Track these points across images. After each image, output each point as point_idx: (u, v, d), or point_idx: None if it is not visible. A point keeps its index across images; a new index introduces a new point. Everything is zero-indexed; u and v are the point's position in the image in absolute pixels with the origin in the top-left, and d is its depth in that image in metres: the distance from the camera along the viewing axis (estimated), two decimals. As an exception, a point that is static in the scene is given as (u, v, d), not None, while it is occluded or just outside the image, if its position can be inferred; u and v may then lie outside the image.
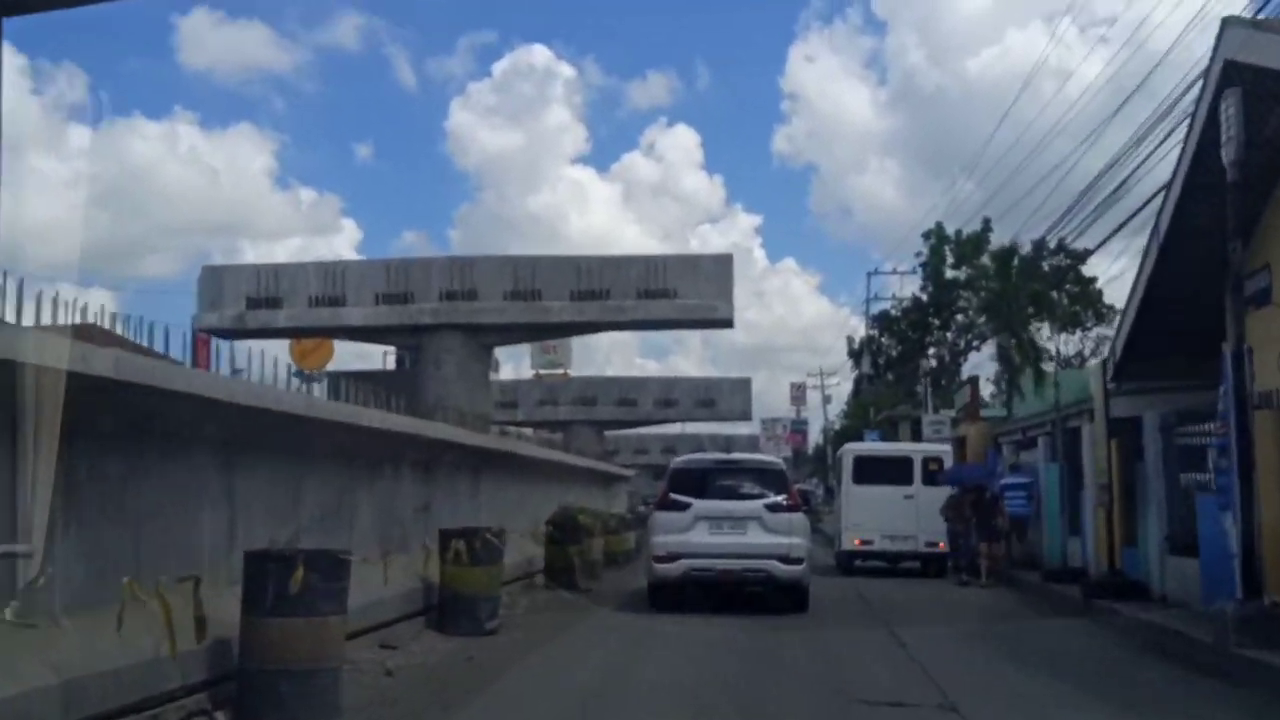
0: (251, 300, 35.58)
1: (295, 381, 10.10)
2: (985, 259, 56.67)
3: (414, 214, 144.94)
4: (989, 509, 18.93)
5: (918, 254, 58.69)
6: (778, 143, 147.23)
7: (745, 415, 59.50)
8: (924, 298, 58.30)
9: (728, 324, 35.12)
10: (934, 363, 59.09)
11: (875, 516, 20.34)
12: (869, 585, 18.19)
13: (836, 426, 66.17)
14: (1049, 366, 33.25)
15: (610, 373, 61.20)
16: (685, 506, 13.78)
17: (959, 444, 24.53)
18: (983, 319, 54.52)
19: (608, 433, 74.94)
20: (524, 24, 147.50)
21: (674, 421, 60.98)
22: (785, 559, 13.44)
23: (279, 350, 33.28)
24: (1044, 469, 20.43)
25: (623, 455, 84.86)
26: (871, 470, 20.88)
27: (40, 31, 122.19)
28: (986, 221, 55.27)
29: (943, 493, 20.15)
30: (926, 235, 57.98)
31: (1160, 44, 47.70)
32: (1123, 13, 72.01)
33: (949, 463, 21.24)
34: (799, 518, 14.13)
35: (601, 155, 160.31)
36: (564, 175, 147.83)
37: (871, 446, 22.27)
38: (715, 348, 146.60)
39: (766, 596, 13.94)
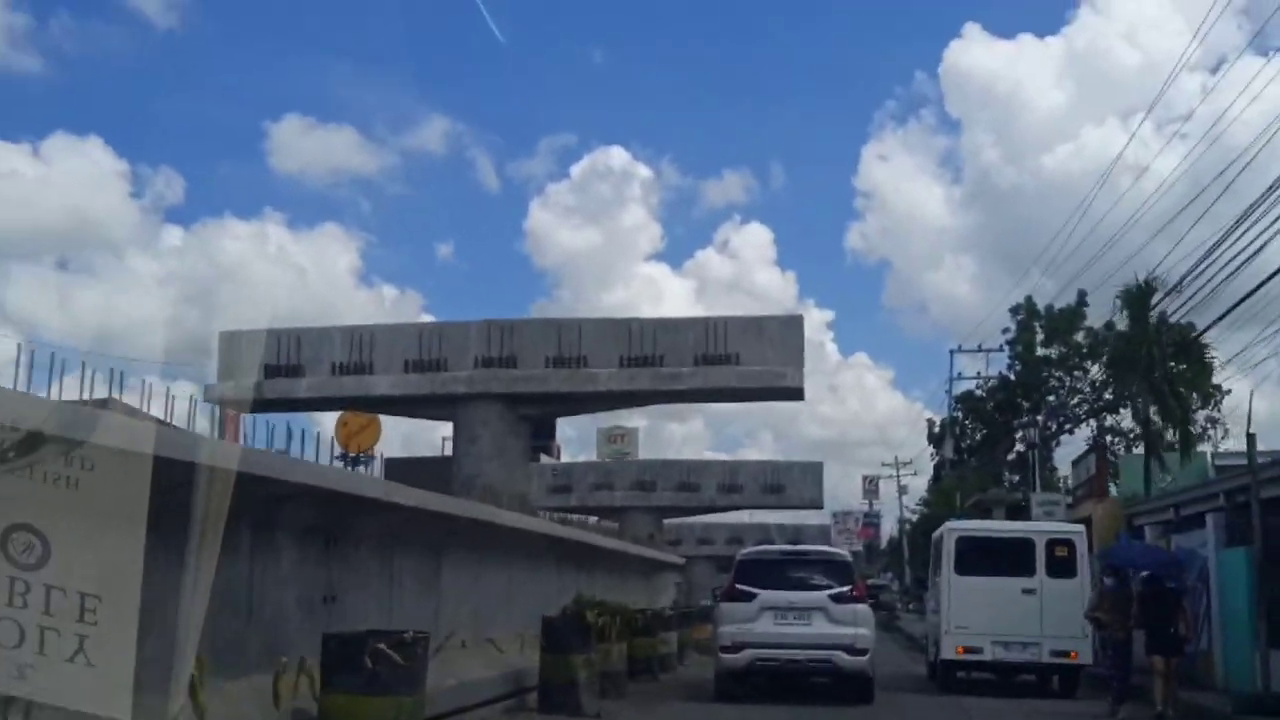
0: (270, 368, 32.27)
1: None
2: (1080, 336, 52.58)
3: (491, 310, 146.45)
4: (1169, 610, 13.68)
5: (1004, 330, 54.50)
6: (851, 239, 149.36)
7: (816, 503, 54.85)
8: (1011, 377, 53.90)
9: (797, 394, 31.01)
10: (1022, 447, 54.48)
11: (985, 616, 15.86)
12: (980, 708, 13.93)
13: (914, 517, 61.32)
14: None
15: (675, 461, 57.15)
16: (751, 597, 14.06)
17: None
18: (1086, 384, 49.88)
19: (668, 521, 70.75)
20: (603, 126, 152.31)
21: (739, 509, 56.60)
22: (850, 649, 13.65)
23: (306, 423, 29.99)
24: (1215, 556, 15.75)
25: (685, 545, 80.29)
26: (981, 556, 16.31)
27: (138, 136, 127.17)
28: (1082, 295, 51.14)
29: (1073, 587, 15.77)
30: (1015, 310, 53.97)
31: (1237, 139, 44.34)
32: (1198, 108, 69.42)
33: (1082, 546, 16.47)
34: (864, 609, 14.39)
35: (676, 252, 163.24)
36: (638, 272, 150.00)
37: (982, 525, 17.44)
38: (787, 440, 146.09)
39: (832, 689, 14.02)
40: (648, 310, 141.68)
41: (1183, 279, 21.55)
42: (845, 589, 14.38)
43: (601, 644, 13.08)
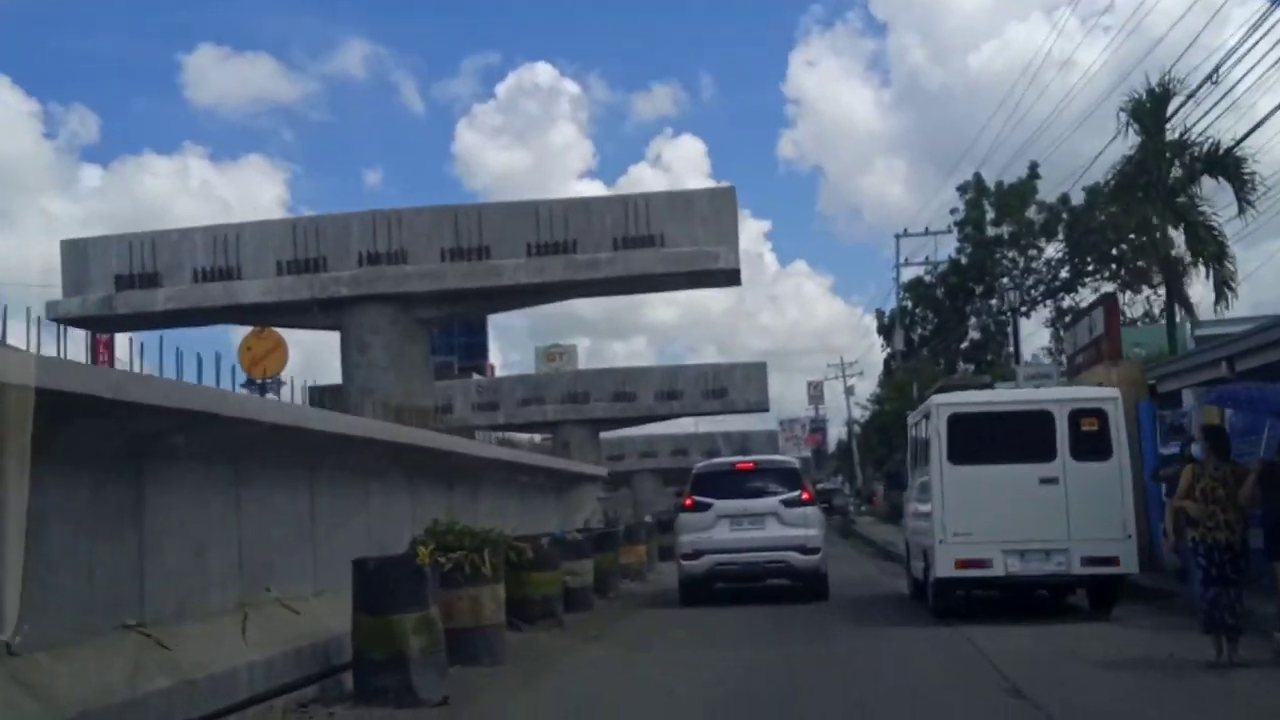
0: (122, 279, 27.74)
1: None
2: (1031, 212, 48.99)
3: None
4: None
5: (952, 211, 50.81)
6: (783, 148, 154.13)
7: (761, 406, 51.25)
8: (962, 260, 50.37)
9: (733, 278, 27.07)
10: (976, 334, 51.24)
11: (992, 517, 11.83)
12: (1003, 647, 10.06)
13: (864, 417, 58.07)
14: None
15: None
16: (708, 507, 14.85)
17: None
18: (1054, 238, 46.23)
19: (605, 434, 67.12)
20: (527, 42, 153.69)
21: (679, 416, 52.89)
22: (803, 549, 14.52)
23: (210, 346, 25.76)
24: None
25: (628, 459, 76.97)
26: (982, 438, 12.09)
27: (47, 73, 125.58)
28: (1033, 167, 47.50)
29: (1108, 471, 11.77)
30: (962, 189, 50.20)
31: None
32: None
33: (1117, 415, 12.06)
34: (814, 511, 15.27)
35: (608, 169, 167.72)
36: (571, 190, 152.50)
37: (981, 399, 13.35)
38: (731, 353, 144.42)
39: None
40: None
41: (1205, 82, 17.52)
42: (795, 494, 15.11)
43: (461, 589, 9.14)
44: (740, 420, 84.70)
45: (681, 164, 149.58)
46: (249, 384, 43.01)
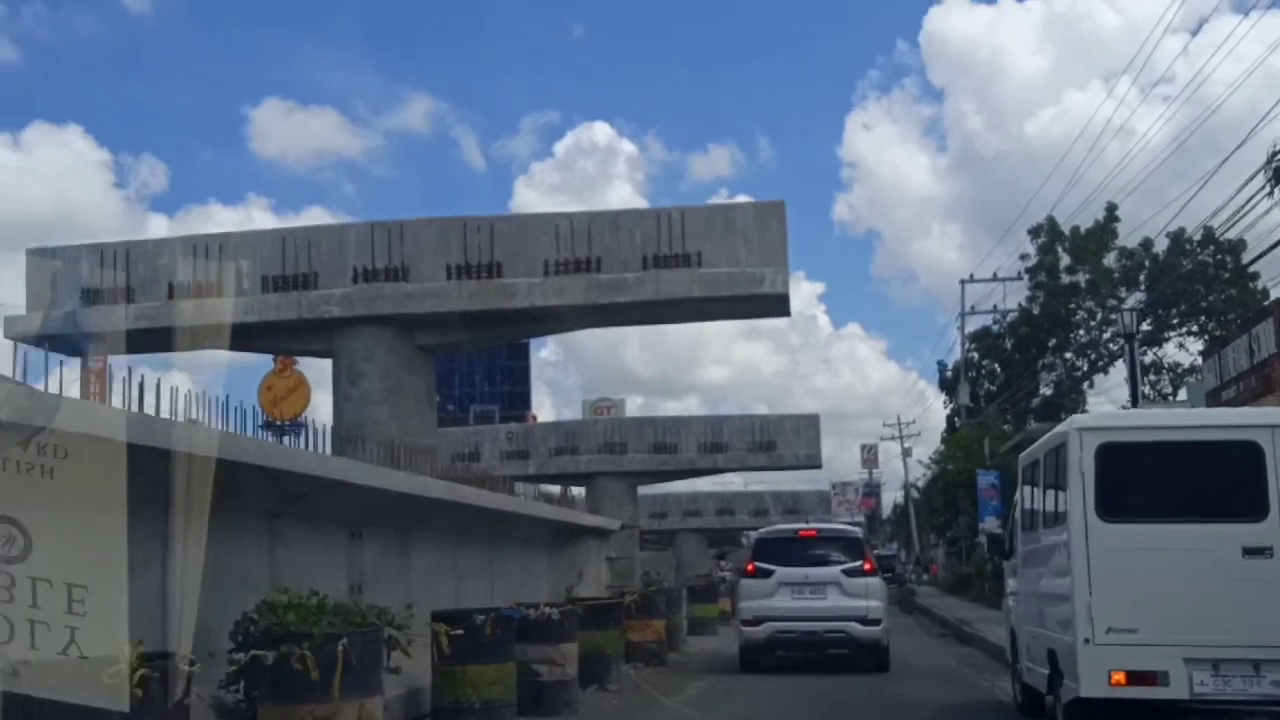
0: (91, 293, 24.60)
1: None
2: (1110, 259, 44.99)
3: None
4: None
5: (1023, 256, 46.97)
6: (838, 210, 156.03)
7: (812, 461, 47.07)
8: (1035, 309, 46.40)
9: (779, 305, 23.29)
10: (1048, 390, 47.06)
11: (1170, 604, 7.81)
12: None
13: (926, 477, 53.74)
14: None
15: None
16: (769, 574, 14.99)
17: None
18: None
19: (644, 490, 63.29)
20: (585, 101, 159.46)
21: (722, 470, 48.90)
22: (864, 620, 14.49)
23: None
24: None
25: (671, 517, 73.13)
26: (1152, 481, 8.09)
27: (118, 124, 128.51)
28: (1111, 210, 43.60)
29: None
30: (1034, 232, 46.34)
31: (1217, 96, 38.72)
32: (1178, 68, 64.64)
33: None
34: (876, 582, 15.32)
35: None
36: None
37: (1151, 419, 9.22)
38: (783, 412, 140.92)
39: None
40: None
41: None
42: (857, 564, 15.12)
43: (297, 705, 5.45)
44: (789, 479, 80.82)
45: None
46: (267, 426, 39.61)
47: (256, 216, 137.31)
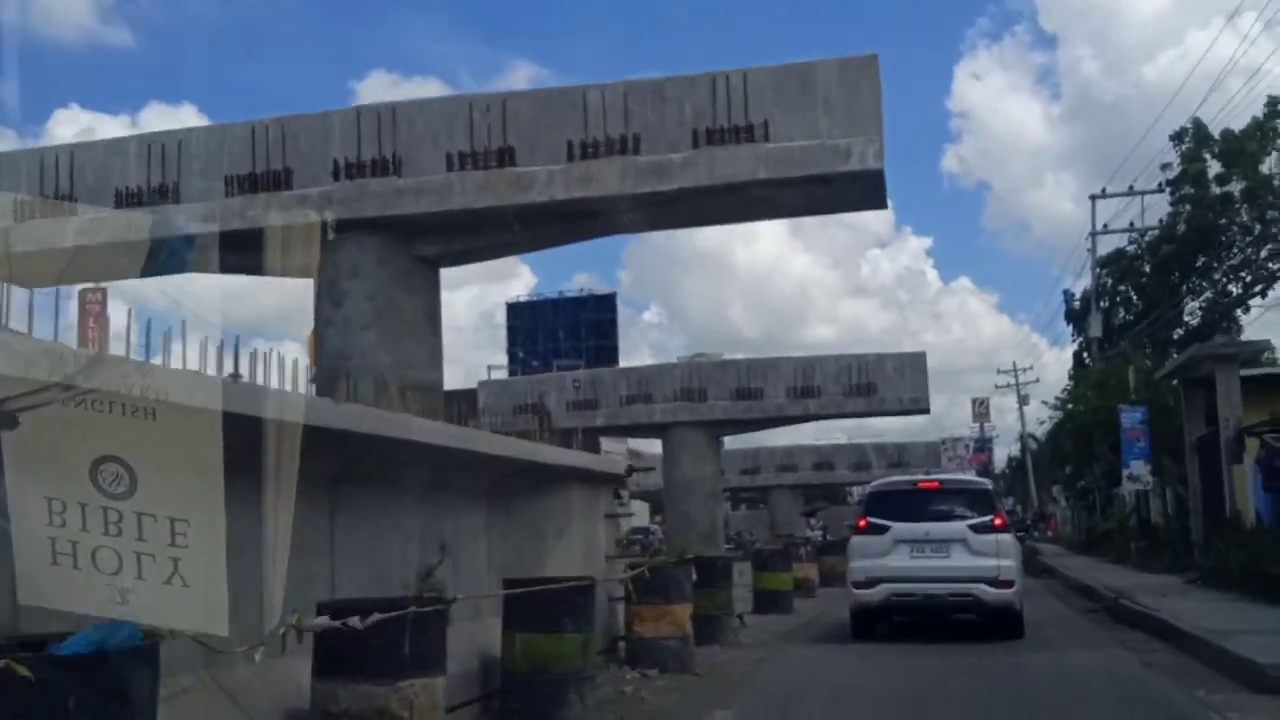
0: (30, 206, 20.31)
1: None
2: (1270, 163, 38.48)
3: (585, 258, 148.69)
4: None
5: (1164, 166, 40.51)
6: (947, 162, 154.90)
7: (920, 405, 41.33)
8: (1179, 225, 40.01)
9: (873, 188, 17.85)
10: (1194, 319, 40.85)
11: None
12: None
13: (1048, 424, 47.68)
14: None
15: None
16: (884, 530, 13.40)
17: None
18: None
19: (734, 443, 58.29)
20: (685, 60, 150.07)
21: (815, 418, 43.44)
22: (994, 582, 12.88)
23: None
24: None
25: (765, 472, 68.03)
26: None
27: (230, 101, 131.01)
28: (1274, 105, 37.10)
29: None
30: (1177, 136, 39.90)
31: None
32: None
33: None
34: (1007, 539, 13.49)
35: None
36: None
37: None
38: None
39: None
40: (741, 252, 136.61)
41: None
42: (986, 518, 13.33)
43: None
44: (893, 429, 75.56)
45: None
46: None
47: None
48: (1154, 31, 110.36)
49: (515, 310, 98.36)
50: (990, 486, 15.23)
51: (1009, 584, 12.97)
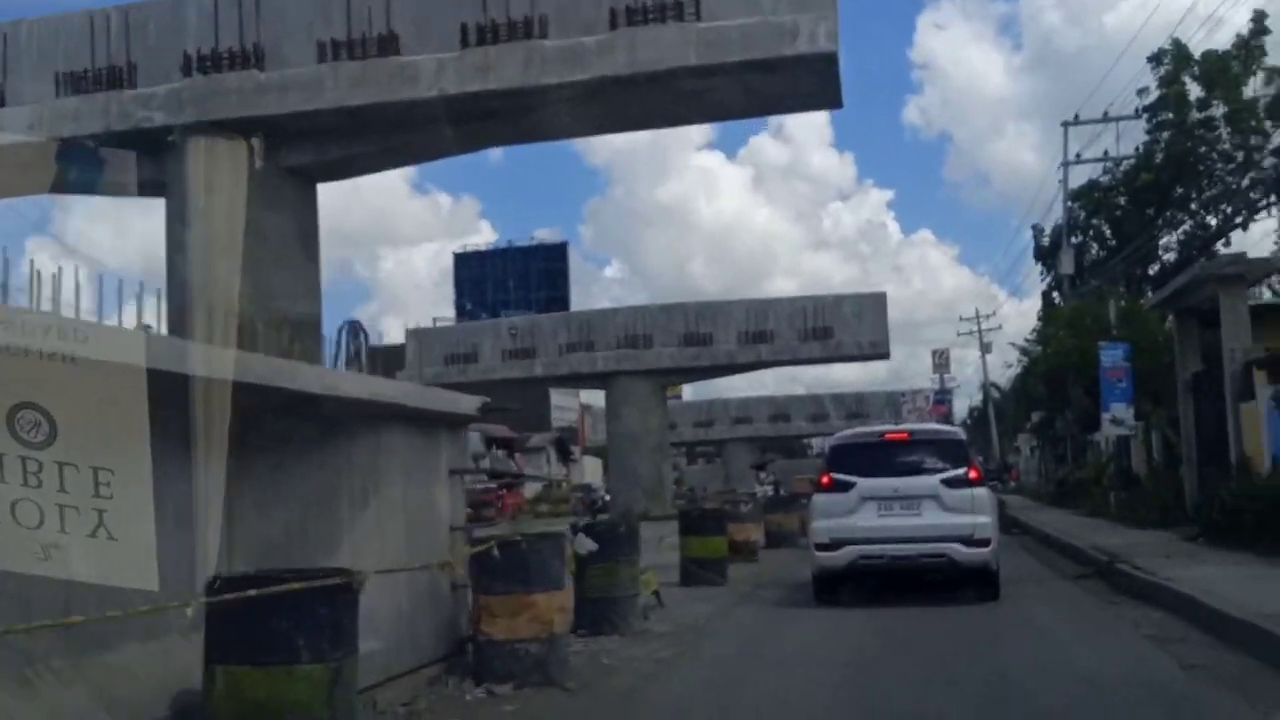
0: None
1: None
2: (1257, 84, 35.99)
3: (546, 212, 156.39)
4: None
5: (1141, 91, 37.91)
6: (909, 114, 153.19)
7: (879, 349, 38.63)
8: (1157, 154, 37.41)
9: (825, 80, 15.08)
10: (1171, 254, 38.54)
11: None
12: None
13: (1017, 368, 45.22)
14: None
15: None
16: (849, 486, 12.41)
17: None
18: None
19: (684, 392, 55.64)
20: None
21: (768, 365, 40.69)
22: (969, 540, 11.96)
23: None
24: None
25: (720, 424, 65.48)
26: None
27: None
28: (1259, 19, 34.59)
29: None
30: (1156, 58, 37.19)
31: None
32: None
33: None
34: (983, 493, 12.51)
35: (729, 140, 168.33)
36: (692, 163, 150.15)
37: None
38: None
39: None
40: (703, 207, 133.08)
41: None
42: (959, 471, 12.31)
43: None
44: (852, 381, 73.43)
45: (803, 134, 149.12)
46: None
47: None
48: None
49: (463, 261, 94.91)
50: (963, 437, 14.35)
51: (985, 542, 12.10)
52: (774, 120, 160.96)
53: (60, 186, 16.52)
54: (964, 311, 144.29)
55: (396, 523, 6.74)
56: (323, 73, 15.41)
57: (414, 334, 39.77)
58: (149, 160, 15.98)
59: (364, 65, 15.23)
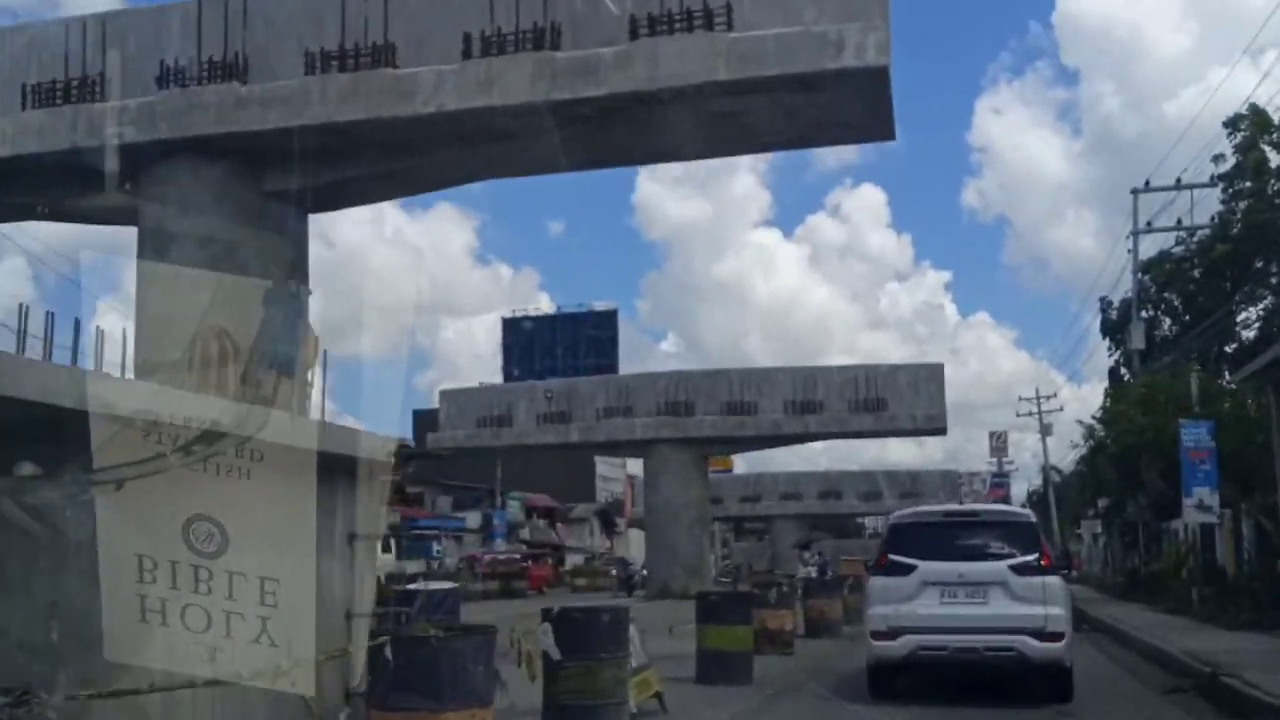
0: None
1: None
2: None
3: (604, 285, 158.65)
4: None
5: (1216, 158, 35.63)
6: (967, 197, 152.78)
7: (935, 424, 36.26)
8: (1234, 223, 34.99)
9: (874, 105, 13.17)
10: (1254, 328, 35.92)
11: None
12: None
13: (1081, 449, 42.37)
14: None
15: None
16: (909, 570, 11.26)
17: None
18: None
19: (733, 469, 53.29)
20: None
21: (815, 437, 38.43)
22: (1040, 634, 10.77)
23: None
24: None
25: (767, 500, 62.96)
26: None
27: None
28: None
29: None
30: (1231, 124, 34.92)
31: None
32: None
33: None
34: (1055, 582, 11.33)
35: (786, 218, 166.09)
36: (749, 240, 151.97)
37: None
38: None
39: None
40: (760, 284, 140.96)
41: None
42: (1030, 558, 11.16)
43: None
44: (906, 462, 70.87)
45: (860, 214, 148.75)
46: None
47: (388, 213, 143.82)
48: (1175, 68, 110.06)
49: (512, 326, 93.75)
50: (1034, 519, 13.06)
51: (1058, 636, 10.98)
52: (832, 199, 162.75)
53: (14, 212, 14.91)
54: (1022, 394, 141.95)
55: (246, 607, 4.78)
56: (309, 85, 13.79)
57: (447, 395, 37.97)
58: (124, 182, 14.39)
59: (355, 78, 13.59)
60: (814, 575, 25.51)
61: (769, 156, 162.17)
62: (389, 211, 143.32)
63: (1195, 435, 22.17)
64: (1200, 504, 20.80)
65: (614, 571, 41.61)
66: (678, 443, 36.01)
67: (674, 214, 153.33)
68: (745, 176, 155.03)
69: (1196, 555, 23.99)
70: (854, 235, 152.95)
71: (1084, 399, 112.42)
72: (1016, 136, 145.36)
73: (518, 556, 41.28)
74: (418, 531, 40.20)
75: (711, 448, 38.01)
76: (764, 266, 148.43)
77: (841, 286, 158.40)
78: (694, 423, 36.05)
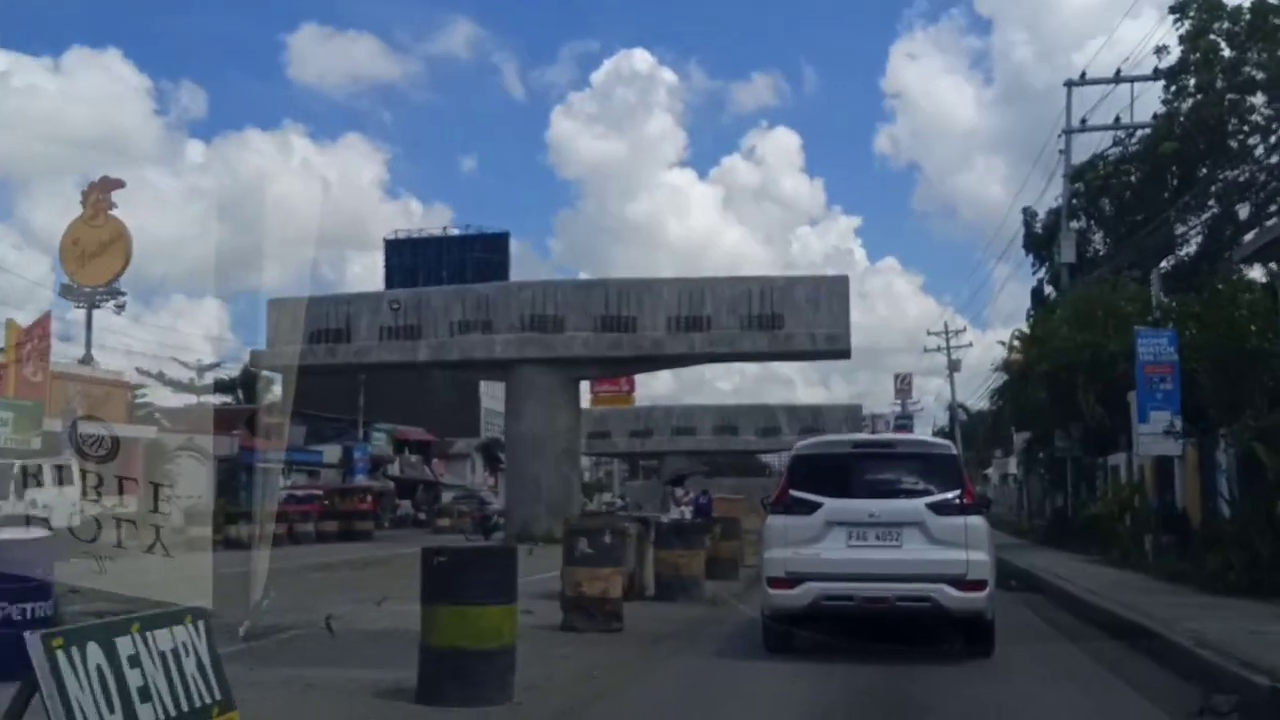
0: None
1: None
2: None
3: (516, 223, 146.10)
4: None
5: (1159, 49, 31.78)
6: (880, 143, 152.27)
7: (838, 344, 31.40)
8: (1178, 119, 30.96)
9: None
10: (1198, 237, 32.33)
11: None
12: None
13: (995, 383, 38.14)
14: None
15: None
16: (814, 508, 10.41)
17: None
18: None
19: (599, 397, 48.41)
20: (626, 29, 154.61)
21: (700, 359, 33.53)
22: (960, 581, 10.02)
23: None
24: None
25: (658, 436, 58.50)
26: None
27: (158, 50, 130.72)
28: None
29: None
30: (1178, 9, 30.96)
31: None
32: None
33: None
34: (978, 522, 10.39)
35: (701, 159, 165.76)
36: (663, 180, 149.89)
37: None
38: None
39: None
40: (673, 226, 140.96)
41: None
42: (950, 495, 10.33)
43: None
44: (807, 371, 67.27)
45: (775, 157, 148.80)
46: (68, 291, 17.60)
47: (294, 141, 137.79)
48: (1085, 19, 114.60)
49: (394, 248, 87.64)
50: (955, 450, 12.08)
51: (980, 584, 10.07)
52: (747, 141, 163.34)
53: None
54: (928, 343, 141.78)
55: None
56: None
57: (276, 305, 32.22)
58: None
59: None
60: (687, 518, 20.82)
61: (686, 95, 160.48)
62: (296, 141, 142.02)
63: (1154, 346, 18.06)
64: (1169, 429, 16.59)
65: (467, 509, 36.69)
66: (544, 363, 30.96)
67: (588, 152, 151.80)
68: (661, 116, 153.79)
69: (1144, 496, 19.80)
70: (768, 178, 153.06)
71: (988, 346, 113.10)
72: (930, 83, 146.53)
73: (318, 492, 36.83)
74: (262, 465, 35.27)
75: (583, 369, 32.90)
76: (678, 208, 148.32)
77: (755, 229, 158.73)
78: (562, 340, 30.96)
